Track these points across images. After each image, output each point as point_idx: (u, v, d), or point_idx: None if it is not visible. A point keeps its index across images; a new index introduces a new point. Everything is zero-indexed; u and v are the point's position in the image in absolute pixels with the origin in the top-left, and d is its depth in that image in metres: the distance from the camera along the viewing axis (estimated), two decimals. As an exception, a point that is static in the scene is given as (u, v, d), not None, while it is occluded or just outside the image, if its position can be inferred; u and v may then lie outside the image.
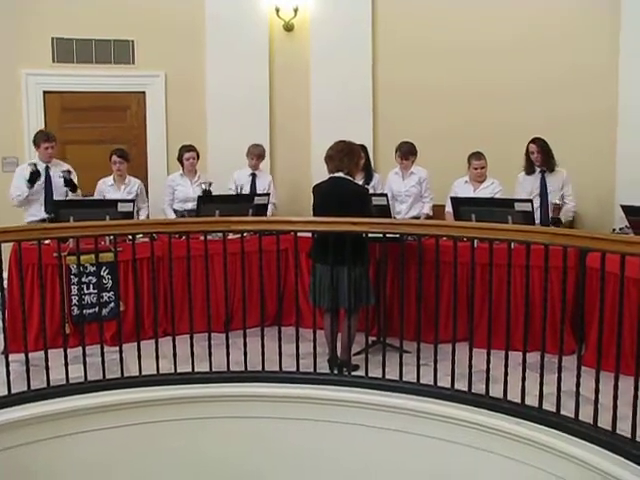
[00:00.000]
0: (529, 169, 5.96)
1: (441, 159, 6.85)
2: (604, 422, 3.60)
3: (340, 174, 4.77)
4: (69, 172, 6.01)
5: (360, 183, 6.18)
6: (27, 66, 7.03)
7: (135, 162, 7.36)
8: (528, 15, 7.05)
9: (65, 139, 7.15)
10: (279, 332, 4.55)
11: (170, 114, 7.44)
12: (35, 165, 5.93)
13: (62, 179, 6.00)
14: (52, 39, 7.06)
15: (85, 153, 7.04)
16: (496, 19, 7.16)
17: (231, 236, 4.97)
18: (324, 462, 4.43)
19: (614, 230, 5.82)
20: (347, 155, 4.79)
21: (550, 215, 5.71)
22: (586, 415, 3.69)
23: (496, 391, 4.07)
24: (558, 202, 5.67)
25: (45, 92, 7.16)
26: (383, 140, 7.25)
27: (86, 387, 4.45)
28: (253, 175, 6.70)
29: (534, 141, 5.88)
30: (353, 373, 4.61)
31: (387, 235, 4.36)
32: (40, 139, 6.09)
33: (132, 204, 5.45)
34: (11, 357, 4.54)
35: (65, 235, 4.39)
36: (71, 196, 6.08)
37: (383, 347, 4.50)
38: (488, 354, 4.07)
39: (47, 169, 6.09)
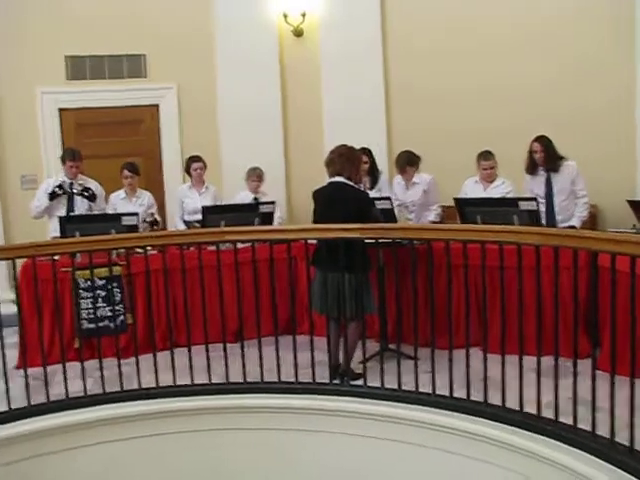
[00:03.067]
0: (531, 169, 5.74)
1: (455, 160, 6.69)
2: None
3: (340, 179, 4.71)
4: (84, 188, 6.12)
5: (367, 186, 6.16)
6: (42, 84, 7.15)
7: (150, 175, 7.44)
8: (539, 8, 6.86)
9: (82, 154, 7.25)
10: (276, 342, 4.49)
11: (184, 125, 7.46)
12: (61, 186, 6.04)
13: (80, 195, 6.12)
14: (65, 57, 7.17)
15: (102, 167, 7.05)
16: (507, 15, 6.97)
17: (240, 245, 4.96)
18: (323, 473, 4.35)
19: (634, 226, 5.57)
20: (348, 159, 4.73)
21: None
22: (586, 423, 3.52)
23: (497, 398, 3.93)
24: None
25: (60, 109, 7.26)
26: (397, 143, 7.10)
27: (86, 401, 4.48)
28: (256, 200, 6.51)
29: (537, 140, 5.65)
30: (352, 382, 4.52)
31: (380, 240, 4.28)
32: (66, 157, 6.21)
33: (136, 217, 5.46)
34: (19, 372, 4.66)
35: (59, 251, 4.43)
36: (95, 205, 6.18)
37: (380, 356, 4.40)
38: (485, 360, 3.94)
39: (71, 185, 6.18)
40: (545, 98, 6.84)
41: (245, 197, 6.59)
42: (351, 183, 4.69)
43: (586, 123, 6.56)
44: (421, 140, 6.54)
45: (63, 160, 6.18)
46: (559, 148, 5.74)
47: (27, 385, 4.38)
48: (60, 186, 6.03)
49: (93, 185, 6.22)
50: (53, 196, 6.03)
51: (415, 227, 4.54)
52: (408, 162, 6.06)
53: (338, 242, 4.34)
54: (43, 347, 4.51)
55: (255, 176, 6.53)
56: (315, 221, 4.77)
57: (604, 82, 6.61)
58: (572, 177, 5.70)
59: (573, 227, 5.56)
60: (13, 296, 5.19)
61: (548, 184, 5.73)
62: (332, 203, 4.66)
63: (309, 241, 4.57)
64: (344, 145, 4.78)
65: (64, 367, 4.46)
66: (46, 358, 4.60)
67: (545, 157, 5.66)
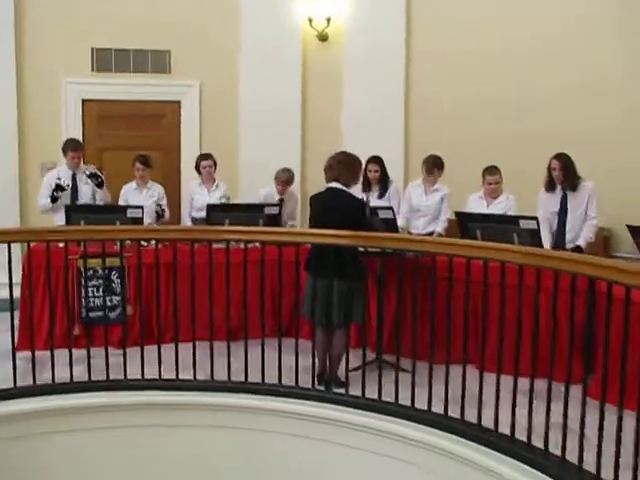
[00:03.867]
0: (549, 186, 5.63)
1: (471, 173, 6.59)
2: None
3: (336, 184, 4.70)
4: (96, 174, 6.18)
5: (376, 194, 6.15)
6: (68, 75, 7.30)
7: (168, 170, 7.54)
8: (559, 25, 6.80)
9: (102, 146, 7.41)
10: (262, 344, 4.48)
11: (204, 123, 7.56)
12: (60, 185, 6.13)
13: (88, 184, 6.20)
14: (92, 49, 7.30)
15: (121, 160, 7.13)
16: (528, 31, 6.93)
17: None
18: (291, 476, 4.34)
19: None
20: (346, 166, 4.73)
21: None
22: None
23: (472, 416, 3.86)
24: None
25: (84, 100, 7.40)
26: (413, 151, 7.11)
27: (71, 387, 4.55)
28: (281, 200, 6.54)
29: (556, 157, 5.53)
30: (334, 390, 4.50)
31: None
32: (68, 148, 6.29)
33: (141, 210, 5.52)
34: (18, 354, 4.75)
35: (53, 239, 4.49)
36: (99, 193, 6.26)
37: (363, 365, 4.37)
38: (464, 379, 3.88)
39: (74, 176, 6.29)
40: (563, 114, 6.75)
41: (268, 193, 6.62)
42: (348, 190, 4.68)
43: (601, 142, 6.44)
44: (437, 151, 6.47)
45: (64, 151, 6.26)
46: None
47: (14, 367, 4.47)
48: (59, 186, 6.11)
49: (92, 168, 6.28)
50: (54, 199, 6.13)
51: (403, 238, 4.48)
52: (436, 164, 6.09)
53: (328, 248, 4.34)
54: (32, 332, 4.60)
55: (281, 182, 6.55)
56: (311, 226, 4.76)
57: (621, 100, 6.50)
58: (588, 196, 5.57)
59: (579, 247, 5.46)
60: (16, 280, 5.33)
61: (563, 202, 5.62)
62: (327, 209, 4.66)
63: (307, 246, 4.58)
64: (343, 152, 4.80)
65: (52, 353, 4.53)
66: (36, 342, 4.73)
67: (564, 175, 5.54)
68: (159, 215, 6.22)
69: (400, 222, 5.80)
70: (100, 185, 6.13)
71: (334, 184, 4.67)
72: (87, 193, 6.25)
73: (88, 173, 6.12)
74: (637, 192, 6.25)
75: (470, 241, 3.93)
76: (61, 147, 6.38)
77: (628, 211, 6.09)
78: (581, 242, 5.47)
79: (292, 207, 6.79)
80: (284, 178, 6.55)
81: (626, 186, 6.27)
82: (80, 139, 6.87)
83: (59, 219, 6.23)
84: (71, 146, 6.26)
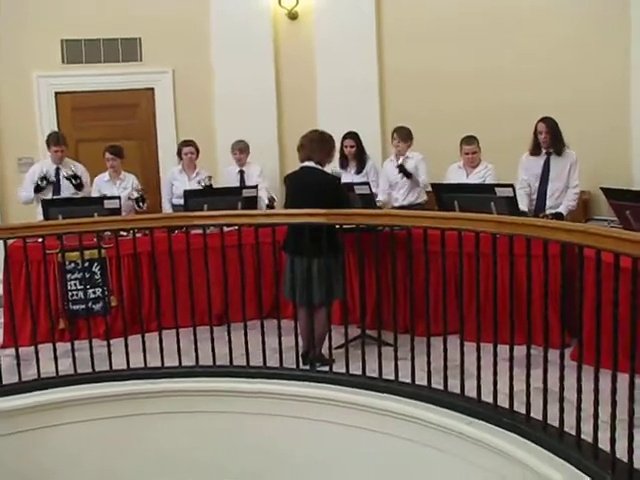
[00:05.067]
0: (535, 150, 5.60)
1: (449, 145, 6.59)
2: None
3: (310, 163, 4.70)
4: (75, 175, 6.17)
5: (353, 171, 6.15)
6: (38, 68, 7.24)
7: (146, 158, 7.52)
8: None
9: (77, 137, 7.34)
10: (244, 327, 4.48)
11: (179, 109, 7.50)
12: (45, 177, 6.11)
13: (68, 180, 6.18)
14: (61, 41, 7.23)
15: (97, 151, 7.04)
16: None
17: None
18: (289, 458, 4.37)
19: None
20: (318, 145, 4.72)
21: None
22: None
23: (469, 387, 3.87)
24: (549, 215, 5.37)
25: (56, 93, 7.35)
26: (390, 126, 7.01)
27: (57, 382, 4.54)
28: (241, 172, 6.61)
29: (543, 120, 5.50)
30: (318, 369, 4.51)
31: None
32: (51, 142, 6.28)
33: (118, 201, 5.50)
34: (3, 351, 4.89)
35: (29, 234, 4.47)
36: (81, 194, 6.23)
37: (346, 343, 4.38)
38: (445, 350, 3.89)
39: (57, 170, 6.26)
40: (540, 82, 6.73)
41: (232, 171, 6.70)
42: (321, 168, 4.67)
43: (579, 108, 6.44)
44: (414, 124, 6.45)
45: (48, 144, 6.23)
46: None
47: (-1, 365, 4.49)
48: (44, 177, 6.09)
49: (80, 169, 6.27)
50: (38, 189, 6.10)
51: (375, 214, 4.47)
52: (409, 135, 6.12)
53: (304, 227, 4.33)
54: (14, 328, 4.60)
55: (237, 150, 6.62)
56: (287, 205, 4.77)
57: (598, 66, 6.49)
58: (570, 164, 5.57)
59: (560, 214, 5.47)
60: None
61: (546, 167, 5.62)
62: (303, 188, 4.66)
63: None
64: (316, 130, 4.81)
65: (36, 349, 4.52)
66: (21, 339, 4.75)
67: (550, 138, 5.52)
68: (138, 201, 6.13)
69: (381, 197, 5.81)
70: (79, 187, 6.13)
71: (308, 163, 4.67)
72: (69, 187, 6.23)
73: (66, 176, 6.10)
74: (620, 155, 6.27)
75: (444, 212, 3.93)
76: (45, 141, 6.38)
77: (610, 174, 6.16)
78: (562, 209, 5.48)
79: (257, 175, 6.70)
80: (239, 146, 6.61)
81: (604, 151, 6.28)
82: (59, 133, 6.82)
83: (40, 212, 6.22)
84: (54, 140, 6.26)
